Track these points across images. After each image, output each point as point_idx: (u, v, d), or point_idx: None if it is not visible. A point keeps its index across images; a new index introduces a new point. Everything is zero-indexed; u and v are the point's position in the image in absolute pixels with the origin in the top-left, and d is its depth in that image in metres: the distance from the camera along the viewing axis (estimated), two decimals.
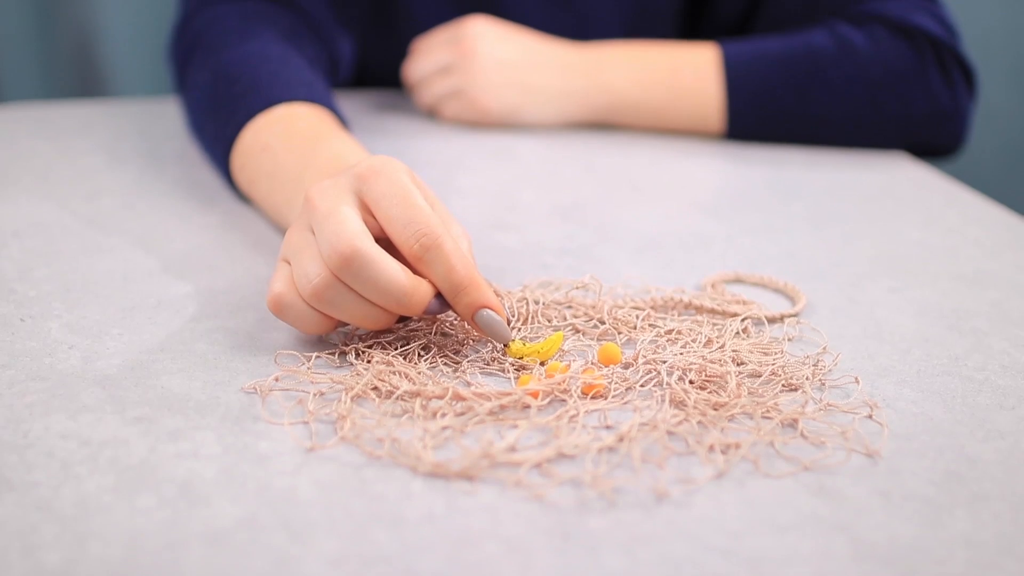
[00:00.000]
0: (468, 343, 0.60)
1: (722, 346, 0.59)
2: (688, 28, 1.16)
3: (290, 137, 0.74)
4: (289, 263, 0.58)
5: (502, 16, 1.09)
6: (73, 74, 1.65)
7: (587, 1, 1.12)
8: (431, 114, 1.07)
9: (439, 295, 0.58)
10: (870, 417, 0.53)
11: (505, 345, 0.58)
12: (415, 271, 0.57)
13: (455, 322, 0.61)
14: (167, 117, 1.04)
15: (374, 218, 0.57)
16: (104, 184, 0.86)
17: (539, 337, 0.61)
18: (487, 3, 1.10)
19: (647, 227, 0.81)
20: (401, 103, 1.11)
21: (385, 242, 0.58)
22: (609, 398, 0.54)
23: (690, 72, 1.01)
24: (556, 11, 1.12)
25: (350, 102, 1.08)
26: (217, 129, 0.81)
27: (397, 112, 1.08)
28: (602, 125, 1.05)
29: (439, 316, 0.61)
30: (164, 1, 1.51)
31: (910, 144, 1.03)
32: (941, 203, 0.90)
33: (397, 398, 0.53)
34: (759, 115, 1.01)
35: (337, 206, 0.57)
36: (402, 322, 0.61)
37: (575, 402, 0.53)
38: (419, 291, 0.56)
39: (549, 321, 0.63)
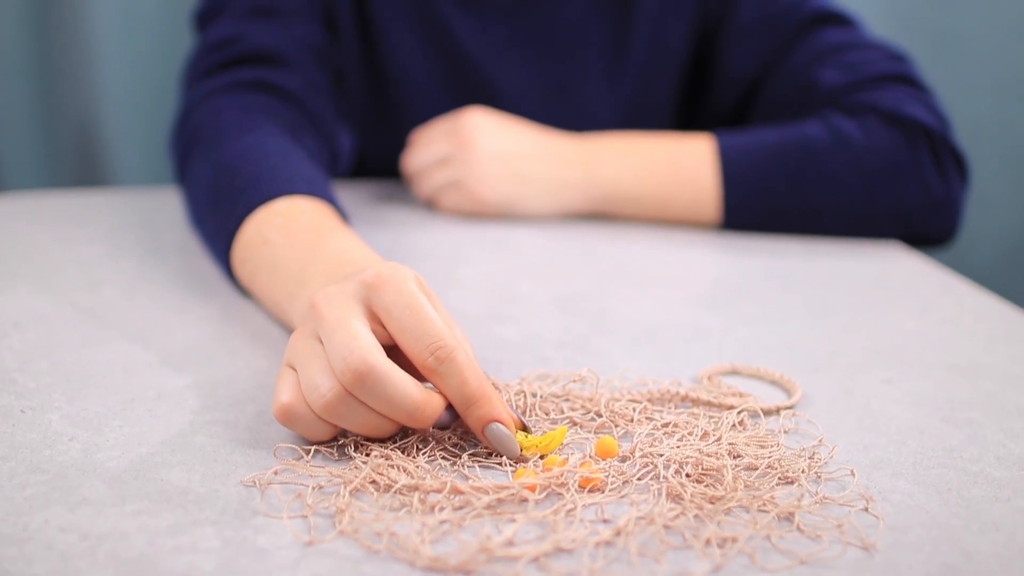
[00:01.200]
0: (466, 438, 0.60)
1: (718, 439, 0.59)
2: (684, 119, 1.17)
3: (291, 232, 0.75)
4: (295, 370, 0.58)
5: (499, 108, 1.10)
6: (74, 162, 1.66)
7: (584, 93, 1.14)
8: (430, 205, 1.08)
9: (449, 407, 0.58)
10: (866, 510, 0.53)
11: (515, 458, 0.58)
12: (422, 379, 0.58)
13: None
14: (168, 207, 1.05)
15: (383, 327, 0.58)
16: (104, 275, 0.87)
17: (537, 431, 0.61)
18: (485, 95, 1.12)
19: (644, 318, 0.81)
20: (400, 194, 1.12)
21: (391, 348, 0.58)
22: (606, 492, 0.54)
23: (686, 163, 1.02)
24: (553, 103, 1.13)
25: (349, 192, 1.09)
26: (218, 222, 0.82)
27: (396, 203, 1.10)
28: (600, 216, 1.06)
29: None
30: (165, 90, 1.52)
31: (904, 233, 1.03)
32: (936, 293, 0.91)
33: (395, 492, 0.53)
34: (755, 205, 1.02)
35: (346, 318, 0.57)
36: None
37: (572, 496, 0.53)
38: (431, 405, 0.56)
39: (547, 414, 0.63)
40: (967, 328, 0.82)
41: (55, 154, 1.68)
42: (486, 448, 0.59)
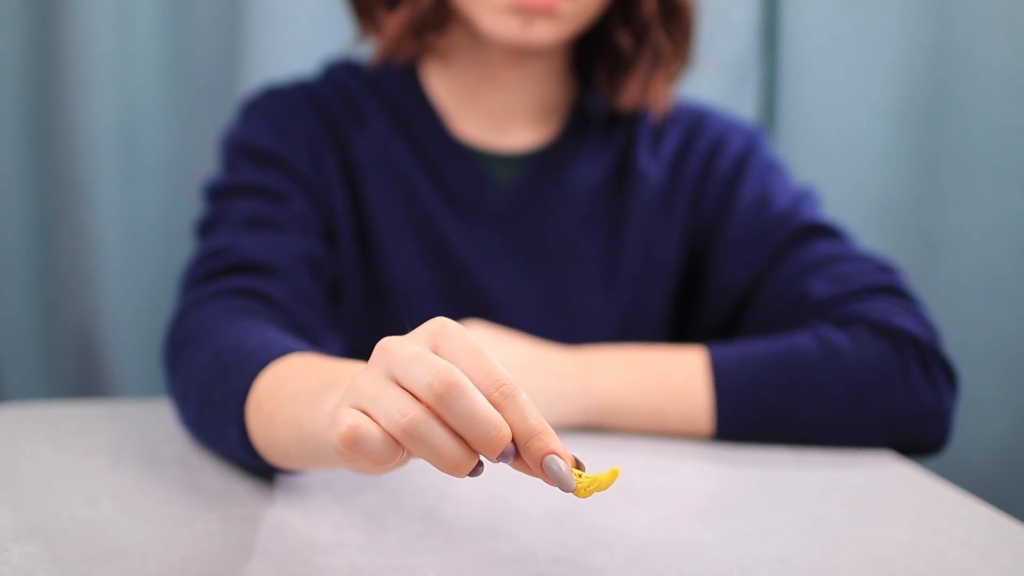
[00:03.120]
0: None
1: None
2: (677, 329, 1.20)
3: (312, 368, 0.77)
4: (358, 408, 0.59)
5: (495, 317, 1.12)
6: (74, 370, 1.68)
7: (578, 302, 1.16)
8: None
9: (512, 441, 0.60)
10: None
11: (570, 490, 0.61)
12: None
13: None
14: (167, 419, 1.06)
15: None
16: (104, 487, 0.87)
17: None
18: (480, 304, 1.14)
19: (639, 532, 0.82)
20: None
21: None
22: None
23: (679, 376, 1.04)
24: (548, 312, 1.16)
25: None
26: (229, 386, 0.83)
27: None
28: (594, 427, 1.07)
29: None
30: (166, 299, 1.55)
31: (896, 442, 1.04)
32: (928, 503, 0.92)
33: None
34: (747, 417, 1.03)
35: (423, 350, 0.59)
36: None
37: None
38: (506, 427, 0.59)
39: None
40: (959, 538, 0.82)
41: (56, 362, 1.69)
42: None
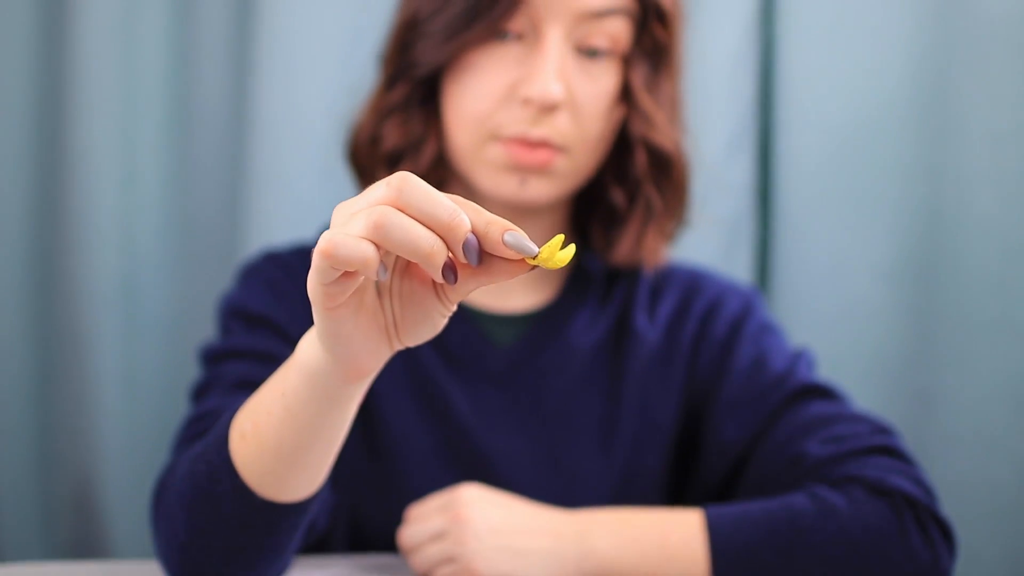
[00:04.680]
0: None
1: None
2: (674, 489, 1.20)
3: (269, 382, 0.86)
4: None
5: (493, 477, 1.13)
6: (71, 531, 1.67)
7: (576, 462, 1.17)
8: None
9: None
10: None
11: (533, 257, 0.69)
12: None
13: None
14: None
15: None
16: None
17: None
18: (479, 463, 1.15)
19: None
20: (398, 566, 1.12)
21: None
22: None
23: (676, 538, 1.04)
24: (546, 471, 1.16)
25: (347, 564, 1.10)
26: (207, 454, 0.89)
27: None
28: None
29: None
30: (163, 455, 1.54)
31: None
32: None
33: None
34: None
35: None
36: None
37: None
38: (462, 211, 0.68)
39: None
40: None
41: (52, 521, 1.69)
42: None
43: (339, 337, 0.75)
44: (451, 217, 0.67)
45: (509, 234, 0.68)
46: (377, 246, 0.67)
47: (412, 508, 1.10)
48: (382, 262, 0.68)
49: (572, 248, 0.70)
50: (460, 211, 0.68)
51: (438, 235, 0.68)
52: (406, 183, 0.67)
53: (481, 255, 0.70)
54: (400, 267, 0.76)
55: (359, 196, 0.69)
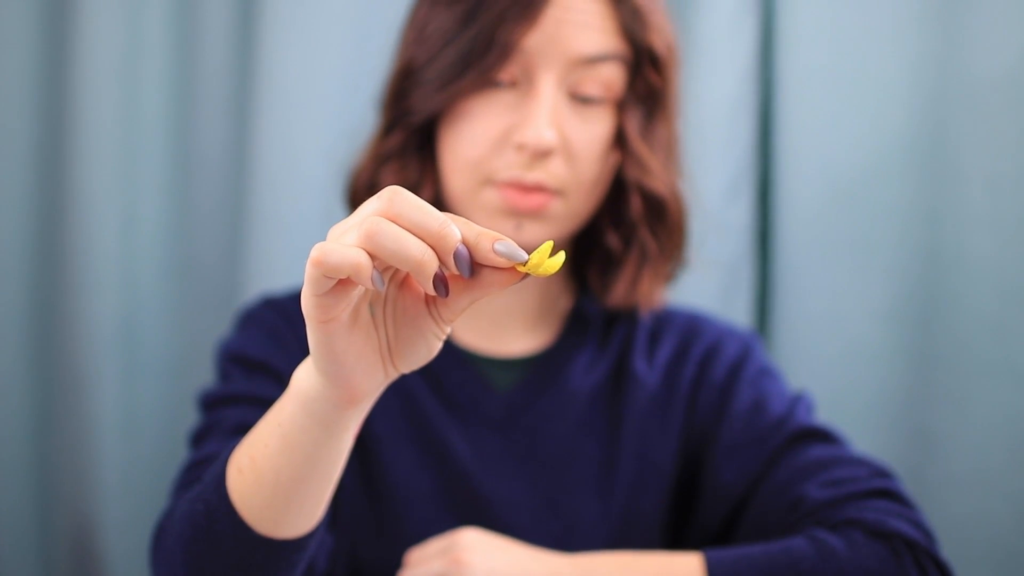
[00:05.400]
0: None
1: None
2: (673, 533, 1.20)
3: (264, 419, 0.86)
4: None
5: (493, 522, 1.12)
6: (70, 573, 1.67)
7: (574, 506, 1.17)
8: None
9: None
10: None
11: (524, 263, 0.71)
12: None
13: None
14: None
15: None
16: None
17: None
18: (479, 507, 1.15)
19: None
20: None
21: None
22: None
23: None
24: (545, 515, 1.16)
25: None
26: (204, 493, 0.88)
27: None
28: None
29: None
30: (163, 499, 1.54)
31: None
32: None
33: None
34: None
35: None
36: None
37: None
38: (452, 223, 0.70)
39: None
40: None
41: (51, 564, 1.68)
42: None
43: (333, 354, 0.76)
44: (441, 226, 0.69)
45: (499, 243, 0.70)
46: (371, 256, 0.69)
47: (412, 552, 1.10)
48: (377, 270, 0.70)
49: (562, 255, 0.72)
50: (450, 222, 0.70)
51: (429, 245, 0.69)
52: (397, 195, 0.69)
53: (473, 267, 0.72)
54: (394, 285, 0.77)
55: (352, 214, 0.71)
